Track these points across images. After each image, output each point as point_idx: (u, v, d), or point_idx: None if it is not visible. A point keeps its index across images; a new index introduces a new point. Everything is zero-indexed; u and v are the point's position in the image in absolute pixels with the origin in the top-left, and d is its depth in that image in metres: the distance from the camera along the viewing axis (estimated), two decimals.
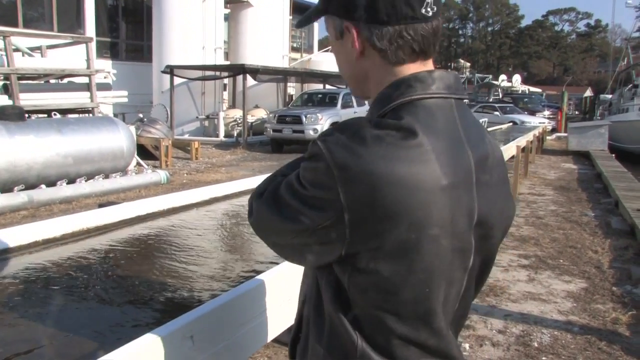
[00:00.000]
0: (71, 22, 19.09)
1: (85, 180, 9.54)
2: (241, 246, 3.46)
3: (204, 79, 19.47)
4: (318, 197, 1.05)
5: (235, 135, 19.03)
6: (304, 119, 16.92)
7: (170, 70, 18.65)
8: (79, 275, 2.68)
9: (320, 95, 20.09)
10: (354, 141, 1.04)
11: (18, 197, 8.23)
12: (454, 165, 1.08)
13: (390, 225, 1.03)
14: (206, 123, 20.05)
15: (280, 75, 21.90)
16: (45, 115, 10.63)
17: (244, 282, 2.06)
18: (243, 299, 1.93)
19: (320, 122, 16.92)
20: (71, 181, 9.34)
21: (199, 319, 1.72)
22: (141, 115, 15.23)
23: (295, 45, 30.41)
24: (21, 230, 3.01)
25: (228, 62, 22.12)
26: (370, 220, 1.03)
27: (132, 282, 2.60)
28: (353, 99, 19.53)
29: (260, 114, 20.41)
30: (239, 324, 1.89)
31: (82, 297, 2.44)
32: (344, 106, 18.74)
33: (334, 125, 1.13)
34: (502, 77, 51.02)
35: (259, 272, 2.26)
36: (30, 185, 8.72)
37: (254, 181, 4.86)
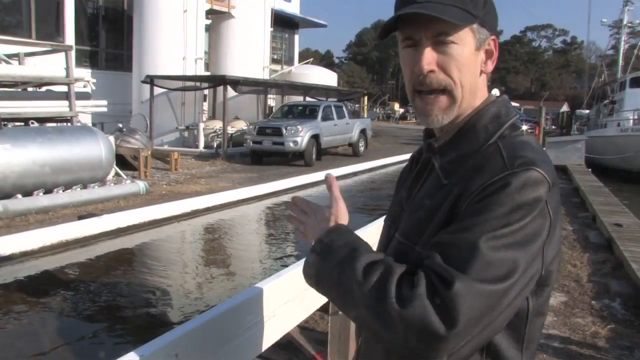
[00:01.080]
0: (50, 30, 18.92)
1: (63, 190, 9.41)
2: (223, 261, 3.42)
3: (184, 89, 19.38)
4: (539, 223, 1.09)
5: (215, 146, 18.94)
6: (284, 131, 16.90)
7: (150, 80, 18.55)
8: (58, 291, 2.62)
9: (300, 108, 20.11)
10: (540, 156, 1.14)
11: None
12: None
13: (560, 220, 1.15)
14: (186, 134, 19.96)
15: (260, 87, 21.90)
16: (23, 124, 10.48)
17: (230, 298, 2.03)
18: (229, 315, 1.89)
19: (300, 134, 16.91)
20: (48, 191, 9.21)
21: (183, 337, 1.69)
22: (120, 125, 15.10)
23: (275, 57, 30.47)
24: None
25: (209, 73, 22.07)
26: (556, 223, 1.13)
27: (113, 298, 2.55)
28: (333, 111, 19.59)
29: (240, 125, 20.36)
30: (224, 340, 1.85)
31: (61, 314, 2.38)
32: (324, 118, 18.77)
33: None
34: None
35: (243, 287, 2.23)
36: (6, 195, 8.58)
37: (235, 194, 4.83)
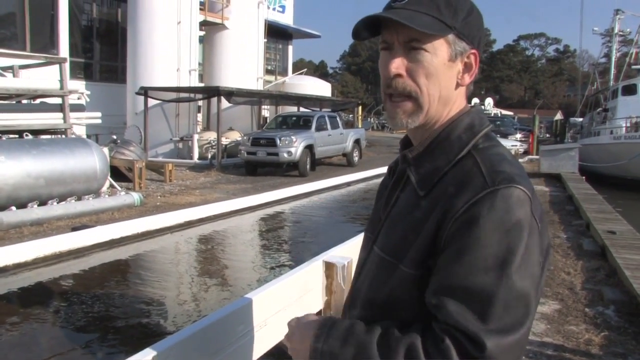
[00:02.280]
0: (44, 42, 18.94)
1: (57, 202, 9.40)
2: (216, 271, 3.43)
3: (178, 100, 19.40)
4: (534, 239, 1.11)
5: (209, 157, 18.95)
6: (278, 141, 16.91)
7: (145, 91, 18.56)
8: (51, 302, 2.62)
9: (294, 118, 20.13)
10: (517, 170, 1.16)
11: None
12: None
13: (546, 225, 1.19)
14: (180, 145, 19.95)
15: (254, 98, 21.93)
16: (17, 136, 10.48)
17: (220, 308, 2.04)
18: (219, 325, 1.90)
19: (294, 144, 16.92)
20: (43, 203, 9.19)
21: (175, 346, 1.70)
22: (115, 137, 15.10)
23: (269, 67, 30.54)
24: None
25: (202, 84, 22.10)
26: (544, 230, 1.16)
27: (106, 309, 2.56)
28: (327, 121, 19.63)
29: (234, 136, 20.37)
30: (215, 350, 1.86)
31: (54, 324, 2.39)
32: (318, 129, 18.80)
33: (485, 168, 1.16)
34: (475, 100, 51.77)
35: (236, 297, 2.24)
36: (0, 207, 8.56)
37: (228, 205, 4.83)
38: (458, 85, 1.25)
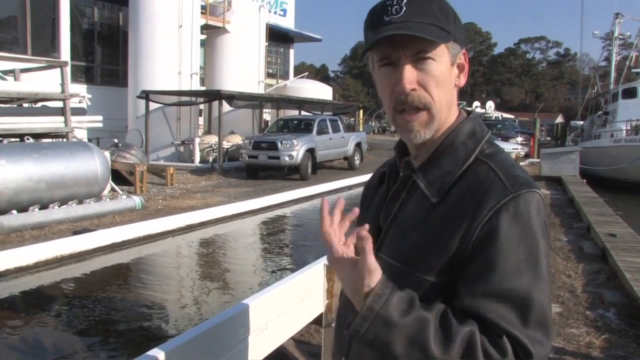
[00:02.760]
0: (46, 46, 18.97)
1: (59, 206, 9.41)
2: (218, 275, 3.44)
3: (179, 104, 19.42)
4: (547, 239, 1.17)
5: (210, 161, 18.96)
6: (279, 145, 16.93)
7: (146, 95, 18.58)
8: (53, 305, 2.63)
9: (295, 122, 20.14)
10: (526, 174, 1.20)
11: None
12: None
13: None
14: (181, 149, 19.97)
15: (255, 101, 21.94)
16: (18, 140, 10.50)
17: (221, 312, 2.05)
18: (220, 328, 1.91)
19: (295, 148, 16.94)
20: (44, 206, 9.20)
21: (175, 350, 1.70)
22: (116, 141, 15.12)
23: (270, 71, 30.56)
24: None
25: (204, 88, 22.12)
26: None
27: (107, 312, 2.57)
28: (329, 125, 19.64)
29: (235, 139, 20.39)
30: (216, 353, 1.87)
31: (56, 328, 2.39)
32: (319, 132, 18.81)
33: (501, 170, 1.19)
34: (476, 103, 51.71)
35: (237, 301, 2.25)
36: (1, 211, 8.57)
37: (229, 208, 4.84)
38: (455, 87, 1.28)
